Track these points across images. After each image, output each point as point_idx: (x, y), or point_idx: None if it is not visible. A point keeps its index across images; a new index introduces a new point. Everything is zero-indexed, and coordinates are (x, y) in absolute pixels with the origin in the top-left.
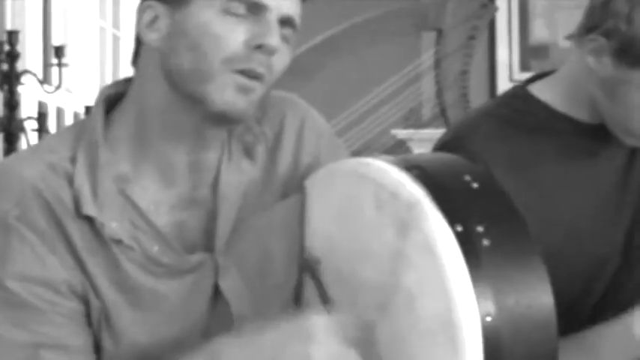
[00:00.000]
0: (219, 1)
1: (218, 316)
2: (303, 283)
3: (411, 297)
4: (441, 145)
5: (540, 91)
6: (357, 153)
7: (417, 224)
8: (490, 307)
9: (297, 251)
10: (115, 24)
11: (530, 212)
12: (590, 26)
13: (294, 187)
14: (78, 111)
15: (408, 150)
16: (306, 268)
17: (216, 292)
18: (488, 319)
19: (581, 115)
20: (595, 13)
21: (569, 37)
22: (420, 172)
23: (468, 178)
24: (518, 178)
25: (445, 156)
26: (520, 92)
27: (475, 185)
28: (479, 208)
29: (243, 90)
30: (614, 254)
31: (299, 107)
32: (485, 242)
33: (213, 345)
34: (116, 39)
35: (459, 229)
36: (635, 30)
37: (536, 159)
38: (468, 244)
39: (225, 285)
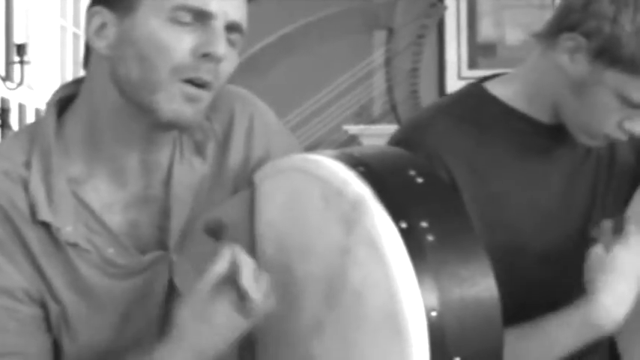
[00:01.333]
0: (166, 10)
1: (173, 311)
2: None
3: (358, 292)
4: (396, 142)
5: (497, 88)
6: (310, 148)
7: (362, 222)
8: (435, 301)
9: (247, 246)
10: (76, 23)
11: (483, 209)
12: (566, 26)
13: (245, 181)
14: (39, 107)
15: (359, 145)
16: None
17: (171, 288)
18: (433, 313)
19: (539, 114)
20: (572, 14)
21: (536, 36)
22: (365, 168)
23: (412, 172)
24: (474, 176)
25: (391, 150)
26: (475, 90)
27: (420, 180)
28: (423, 204)
29: (191, 99)
30: (563, 255)
31: (248, 101)
32: (430, 238)
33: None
34: (76, 37)
35: (404, 225)
36: (619, 31)
37: (491, 157)
38: (412, 240)
39: (179, 281)
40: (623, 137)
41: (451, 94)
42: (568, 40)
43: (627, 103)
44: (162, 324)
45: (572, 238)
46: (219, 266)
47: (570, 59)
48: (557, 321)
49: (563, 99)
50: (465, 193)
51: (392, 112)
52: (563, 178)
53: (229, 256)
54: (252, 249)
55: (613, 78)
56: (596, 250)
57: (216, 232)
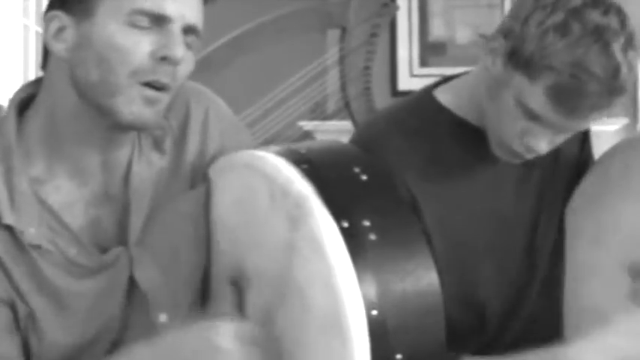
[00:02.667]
0: (123, 14)
1: (136, 308)
2: (210, 271)
3: (303, 289)
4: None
5: (446, 98)
6: (266, 143)
7: (306, 221)
8: (376, 298)
9: (203, 238)
10: (39, 21)
11: (441, 222)
12: (498, 28)
13: (201, 174)
14: (2, 106)
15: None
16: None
17: (133, 284)
18: (374, 311)
19: (481, 122)
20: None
21: (481, 36)
22: (310, 166)
23: (357, 169)
24: (428, 189)
25: (337, 147)
26: (426, 99)
27: (364, 177)
28: (366, 203)
29: (150, 102)
30: (512, 260)
31: (203, 97)
32: (372, 237)
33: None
34: (40, 36)
35: (345, 224)
36: (526, 32)
37: (444, 168)
38: (354, 239)
39: (139, 275)
40: (525, 153)
41: (403, 104)
42: (492, 41)
43: (526, 112)
44: (125, 318)
45: (521, 244)
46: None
47: (492, 60)
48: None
49: (484, 105)
50: (425, 208)
51: (346, 108)
52: (513, 186)
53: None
54: (208, 241)
55: (517, 82)
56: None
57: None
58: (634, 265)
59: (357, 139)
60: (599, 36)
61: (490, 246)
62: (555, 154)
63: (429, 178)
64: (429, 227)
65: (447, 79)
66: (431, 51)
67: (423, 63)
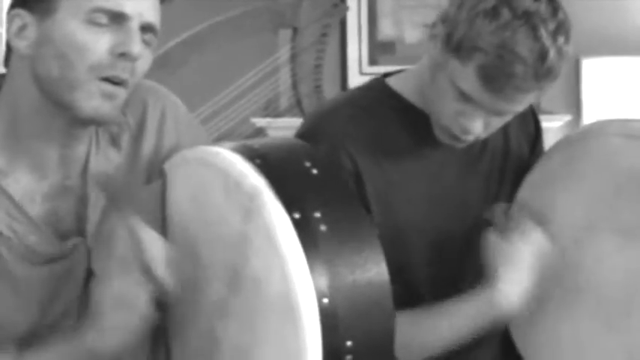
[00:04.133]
0: (83, 12)
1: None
2: None
3: (257, 280)
4: (301, 133)
5: (397, 84)
6: (220, 139)
7: (259, 213)
8: (327, 288)
9: (160, 232)
10: (1, 22)
11: (382, 197)
12: (440, 13)
13: (157, 170)
14: None
15: (266, 137)
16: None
17: (90, 274)
18: (325, 300)
19: (427, 107)
20: None
21: (426, 25)
22: (263, 161)
23: (308, 164)
24: (374, 164)
25: (289, 142)
26: (377, 84)
27: (315, 171)
28: (317, 195)
29: (109, 96)
30: (457, 247)
31: (160, 95)
32: (323, 228)
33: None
34: (1, 36)
35: (297, 216)
36: (459, 17)
37: (390, 148)
38: (305, 230)
39: (97, 267)
40: (461, 135)
41: (354, 88)
42: (434, 28)
43: (460, 93)
44: (83, 307)
45: (467, 230)
46: (121, 248)
47: (433, 47)
48: (458, 304)
49: (426, 89)
50: (367, 181)
51: (297, 105)
52: (459, 171)
53: (130, 234)
54: (164, 235)
55: (451, 65)
56: (493, 237)
57: (106, 186)
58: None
59: (307, 120)
60: (528, 20)
61: (427, 231)
62: (504, 153)
63: (373, 155)
64: (369, 202)
65: (398, 72)
66: (380, 50)
67: (373, 62)
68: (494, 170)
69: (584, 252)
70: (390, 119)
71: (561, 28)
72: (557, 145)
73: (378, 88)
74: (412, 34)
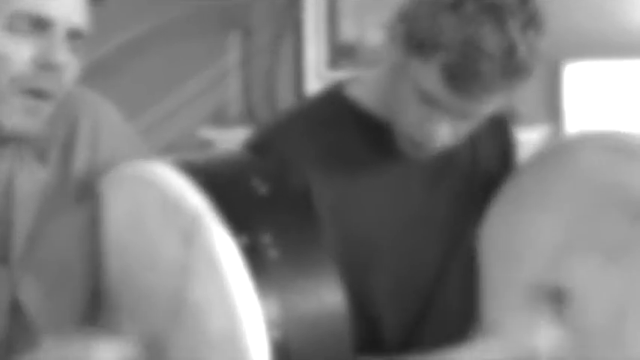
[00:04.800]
0: (3, 18)
1: (18, 329)
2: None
3: (199, 310)
4: (250, 146)
5: (354, 92)
6: (163, 152)
7: (201, 237)
8: (278, 319)
9: (93, 256)
10: None
11: (338, 218)
12: (397, 12)
13: (90, 187)
14: None
15: (213, 149)
16: None
17: (17, 304)
18: (277, 332)
19: (388, 116)
20: None
21: (384, 26)
22: (206, 179)
23: (256, 181)
24: (330, 183)
25: (235, 157)
26: (334, 94)
27: (264, 190)
28: (266, 217)
29: (32, 111)
30: (421, 267)
31: (92, 103)
32: (273, 253)
33: None
34: None
35: (244, 240)
36: (419, 12)
37: (349, 164)
38: (253, 256)
39: (24, 297)
40: (427, 142)
41: (310, 99)
42: (392, 29)
43: (423, 96)
44: (9, 339)
45: (436, 255)
46: None
47: (393, 48)
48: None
49: (387, 96)
50: (323, 200)
51: (248, 114)
52: (424, 186)
53: None
54: (98, 258)
55: (413, 66)
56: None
57: None
58: (550, 289)
59: (257, 132)
60: (494, 13)
61: (390, 255)
62: (472, 168)
63: (329, 172)
64: (324, 223)
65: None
66: (340, 52)
67: (332, 65)
68: (462, 187)
69: (567, 275)
70: (349, 132)
71: (532, 22)
72: (532, 161)
73: (335, 98)
74: (375, 36)
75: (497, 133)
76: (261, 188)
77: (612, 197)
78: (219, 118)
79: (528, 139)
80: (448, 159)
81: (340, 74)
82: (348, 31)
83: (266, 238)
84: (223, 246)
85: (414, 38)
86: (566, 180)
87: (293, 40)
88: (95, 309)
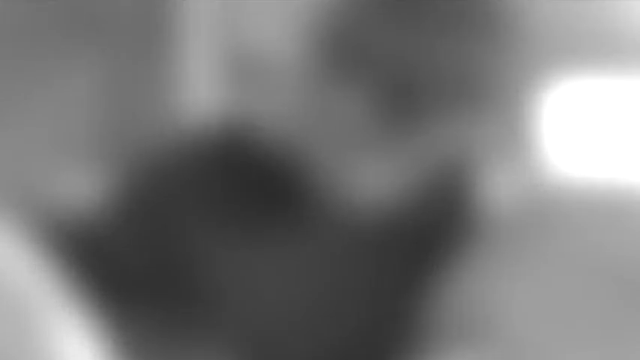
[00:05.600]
0: None
1: None
2: None
3: None
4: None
5: (257, 125)
6: None
7: None
8: None
9: None
10: None
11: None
12: None
13: None
14: None
15: None
16: None
17: None
18: None
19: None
20: None
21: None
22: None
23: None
24: (218, 251)
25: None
26: (227, 128)
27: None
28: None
29: None
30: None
31: None
32: None
33: None
34: None
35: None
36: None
37: (243, 226)
38: None
39: None
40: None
41: (192, 134)
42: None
43: (351, 128)
44: None
45: (352, 339)
46: None
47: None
48: None
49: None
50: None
51: (101, 151)
52: (331, 262)
53: None
54: None
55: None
56: None
57: None
58: None
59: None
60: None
61: (294, 346)
62: (407, 222)
63: (217, 234)
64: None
65: None
66: (239, 68)
67: (226, 85)
68: (390, 249)
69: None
70: (244, 182)
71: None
72: (498, 215)
73: (228, 134)
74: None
75: (443, 174)
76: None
77: (606, 274)
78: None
79: (491, 180)
80: (375, 211)
81: (240, 98)
82: (252, 37)
83: None
84: None
85: (338, 50)
86: (543, 245)
87: (168, 51)
88: None
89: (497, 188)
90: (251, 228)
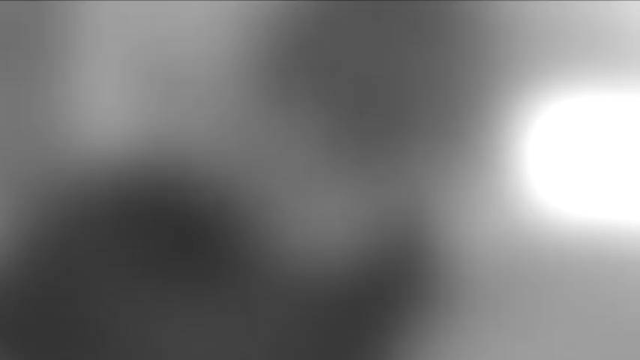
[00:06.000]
0: None
1: None
2: None
3: None
4: None
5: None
6: None
7: None
8: None
9: None
10: None
11: None
12: None
13: None
14: None
15: None
16: None
17: None
18: None
19: None
20: None
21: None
22: None
23: None
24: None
25: None
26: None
27: None
28: None
29: None
30: None
31: None
32: None
33: None
34: None
35: None
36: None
37: (150, 280)
38: None
39: None
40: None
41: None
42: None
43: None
44: None
45: None
46: None
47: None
48: None
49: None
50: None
51: None
52: (265, 324)
53: None
54: None
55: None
56: None
57: None
58: None
59: None
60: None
61: None
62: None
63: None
64: None
65: None
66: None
67: (141, 99)
68: (340, 310)
69: None
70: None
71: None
72: (471, 268)
73: (136, 164)
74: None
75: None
76: None
77: None
78: None
79: None
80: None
81: (158, 121)
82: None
83: None
84: None
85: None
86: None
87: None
88: None
89: (471, 233)
90: (172, 280)
